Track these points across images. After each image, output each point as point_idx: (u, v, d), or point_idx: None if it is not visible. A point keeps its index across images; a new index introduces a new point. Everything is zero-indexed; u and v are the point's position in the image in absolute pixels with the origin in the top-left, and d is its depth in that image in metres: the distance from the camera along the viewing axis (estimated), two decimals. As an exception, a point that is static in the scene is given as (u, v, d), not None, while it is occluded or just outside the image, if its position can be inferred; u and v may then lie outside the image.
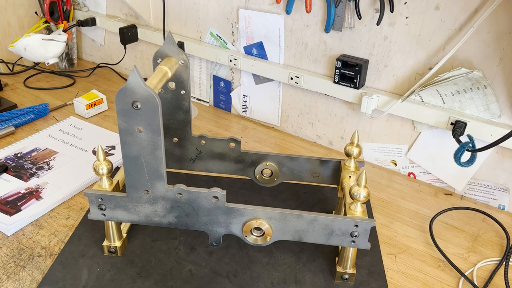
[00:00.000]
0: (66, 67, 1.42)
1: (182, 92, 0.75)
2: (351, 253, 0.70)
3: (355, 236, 0.66)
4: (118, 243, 0.74)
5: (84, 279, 0.70)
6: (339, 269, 0.71)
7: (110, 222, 0.72)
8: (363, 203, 0.67)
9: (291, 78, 1.04)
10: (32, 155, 0.98)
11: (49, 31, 1.32)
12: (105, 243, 0.74)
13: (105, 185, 0.70)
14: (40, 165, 0.95)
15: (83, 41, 1.50)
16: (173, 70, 0.71)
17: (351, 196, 0.66)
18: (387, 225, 0.85)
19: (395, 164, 1.01)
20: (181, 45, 1.18)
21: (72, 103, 1.17)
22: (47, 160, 0.97)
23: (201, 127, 1.15)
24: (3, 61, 1.36)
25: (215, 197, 0.66)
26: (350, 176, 0.77)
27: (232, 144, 0.80)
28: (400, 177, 1.00)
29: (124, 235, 0.76)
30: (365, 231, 0.66)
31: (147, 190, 0.66)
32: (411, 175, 1.00)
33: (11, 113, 1.11)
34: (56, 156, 0.98)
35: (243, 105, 1.19)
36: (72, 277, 0.70)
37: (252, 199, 0.89)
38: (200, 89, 1.25)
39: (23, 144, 1.02)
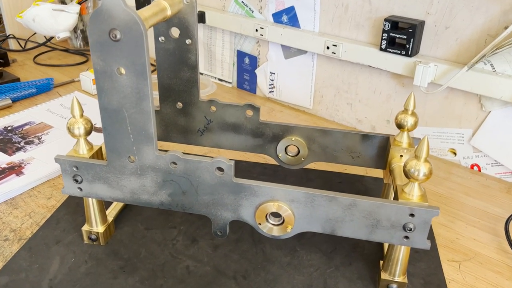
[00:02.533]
0: (81, 46, 1.31)
1: (188, 41, 0.60)
2: (402, 254, 0.51)
3: (410, 230, 0.48)
4: (100, 229, 0.59)
5: (53, 270, 0.55)
6: (384, 275, 0.53)
7: (90, 200, 0.57)
8: (421, 184, 0.49)
9: (327, 48, 0.86)
10: (24, 128, 0.85)
11: (62, 3, 1.21)
12: (85, 227, 0.59)
13: (83, 150, 0.55)
14: (31, 139, 0.82)
15: (102, 20, 1.38)
16: (175, 9, 0.56)
17: (406, 174, 0.48)
18: (446, 225, 0.66)
19: (455, 154, 0.82)
20: (201, 15, 1.03)
21: (80, 80, 1.05)
22: (39, 134, 0.83)
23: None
24: (14, 37, 1.26)
25: (220, 169, 0.49)
26: (401, 156, 0.59)
27: (249, 112, 0.64)
28: (460, 170, 0.80)
29: (110, 219, 0.61)
30: (424, 224, 0.47)
31: (132, 157, 0.51)
32: (475, 168, 0.80)
33: (11, 86, 0.99)
34: (50, 131, 0.85)
35: (269, 85, 1.02)
36: (39, 267, 0.55)
37: (275, 186, 0.72)
38: (223, 68, 1.10)
39: (17, 117, 0.90)
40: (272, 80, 1.02)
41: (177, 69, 0.62)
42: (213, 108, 0.64)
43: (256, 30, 0.96)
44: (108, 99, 0.47)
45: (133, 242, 0.60)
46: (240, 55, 1.05)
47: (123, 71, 0.46)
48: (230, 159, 0.49)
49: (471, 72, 0.72)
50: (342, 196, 0.48)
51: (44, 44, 1.25)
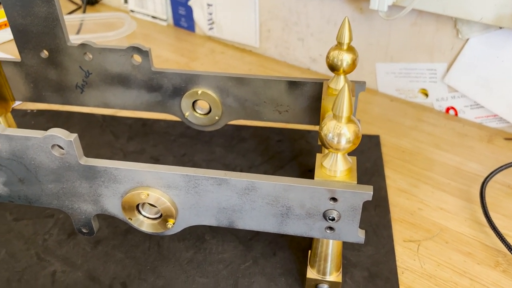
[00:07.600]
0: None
1: (30, -39, 0.42)
2: (331, 247, 0.37)
3: (332, 219, 0.33)
4: None
5: None
6: (311, 274, 0.40)
7: None
8: (347, 155, 0.34)
9: (265, -33, 0.68)
10: None
11: None
12: None
13: None
14: None
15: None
16: None
17: (323, 142, 0.32)
18: (408, 191, 0.52)
19: (426, 95, 0.66)
20: None
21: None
22: None
23: (153, 54, 0.82)
24: None
25: (58, 146, 0.34)
26: (337, 108, 0.43)
27: (137, 58, 0.48)
28: (433, 115, 0.65)
29: (-38, 212, 0.46)
30: (351, 211, 0.33)
31: None
32: (451, 111, 0.64)
33: None
34: None
35: (208, 20, 0.84)
36: None
37: (195, 152, 0.57)
38: (154, 2, 0.91)
39: None
40: (211, 14, 0.83)
41: (28, 3, 0.45)
42: (89, 56, 0.48)
43: (182, -49, 0.76)
44: None
45: (-6, 240, 0.46)
46: (171, -15, 0.86)
47: None
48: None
49: (442, -12, 0.54)
50: (235, 178, 0.33)
51: None
